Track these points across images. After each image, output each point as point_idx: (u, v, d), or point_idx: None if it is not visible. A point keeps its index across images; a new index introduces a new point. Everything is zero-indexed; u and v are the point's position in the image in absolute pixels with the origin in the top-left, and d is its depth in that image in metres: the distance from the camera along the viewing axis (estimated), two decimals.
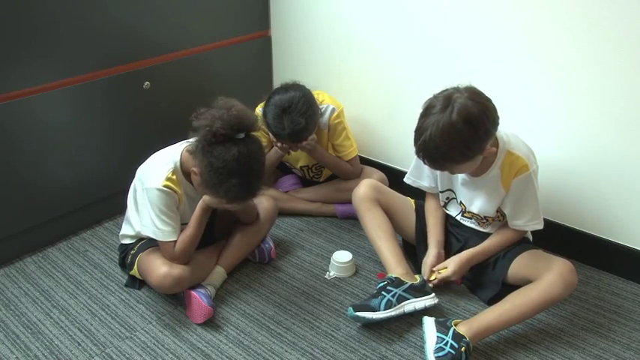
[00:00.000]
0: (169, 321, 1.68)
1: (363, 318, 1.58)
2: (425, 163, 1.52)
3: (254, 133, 1.58)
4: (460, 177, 1.68)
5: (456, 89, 1.47)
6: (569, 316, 1.70)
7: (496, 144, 1.57)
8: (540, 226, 1.66)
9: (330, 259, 1.90)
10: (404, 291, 1.61)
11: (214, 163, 1.51)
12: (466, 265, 1.70)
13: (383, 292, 1.60)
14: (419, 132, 1.46)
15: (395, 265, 1.69)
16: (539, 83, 1.83)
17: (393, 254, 1.72)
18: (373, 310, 1.57)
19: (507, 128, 1.63)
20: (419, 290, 1.64)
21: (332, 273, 1.88)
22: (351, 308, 1.58)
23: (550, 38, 1.76)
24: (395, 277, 1.63)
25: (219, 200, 1.59)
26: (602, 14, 1.64)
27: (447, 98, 1.44)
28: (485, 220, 1.72)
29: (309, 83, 2.03)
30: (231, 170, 1.50)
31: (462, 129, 1.41)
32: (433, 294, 1.66)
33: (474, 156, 1.48)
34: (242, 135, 1.53)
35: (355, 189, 1.85)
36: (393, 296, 1.59)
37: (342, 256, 1.89)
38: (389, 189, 1.90)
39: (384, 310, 1.58)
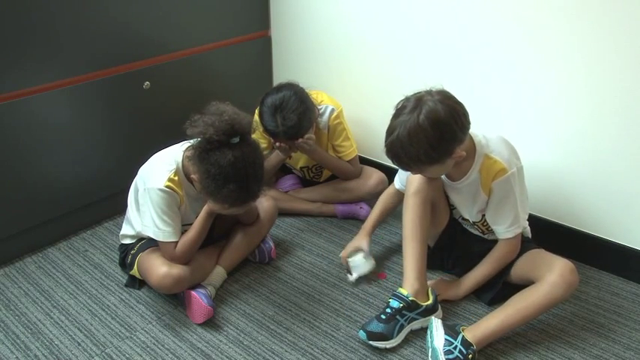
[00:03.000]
0: (169, 321, 1.68)
1: (377, 347, 1.57)
2: (393, 163, 1.53)
3: (251, 136, 1.58)
4: (445, 182, 1.68)
5: (428, 92, 1.48)
6: (569, 316, 1.71)
7: (472, 148, 1.56)
8: (520, 230, 1.64)
9: (329, 258, 1.90)
10: (417, 314, 1.60)
11: (211, 170, 1.51)
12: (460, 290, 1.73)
13: (397, 317, 1.57)
14: (388, 132, 1.49)
15: (413, 279, 1.61)
16: (540, 83, 1.83)
17: (415, 265, 1.63)
18: (386, 338, 1.56)
19: (507, 130, 1.63)
20: (429, 311, 1.63)
21: (354, 275, 1.82)
22: (362, 332, 1.56)
23: (550, 40, 1.76)
24: (412, 301, 1.59)
25: (220, 206, 1.59)
26: (602, 15, 1.64)
27: (417, 100, 1.46)
28: (480, 229, 1.72)
29: (309, 83, 2.03)
30: (227, 176, 1.51)
31: (427, 131, 1.42)
32: (439, 310, 1.66)
33: (439, 158, 1.48)
34: (236, 140, 1.52)
35: (411, 177, 1.67)
36: (406, 320, 1.58)
37: (358, 256, 1.82)
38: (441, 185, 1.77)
39: (396, 336, 1.57)
